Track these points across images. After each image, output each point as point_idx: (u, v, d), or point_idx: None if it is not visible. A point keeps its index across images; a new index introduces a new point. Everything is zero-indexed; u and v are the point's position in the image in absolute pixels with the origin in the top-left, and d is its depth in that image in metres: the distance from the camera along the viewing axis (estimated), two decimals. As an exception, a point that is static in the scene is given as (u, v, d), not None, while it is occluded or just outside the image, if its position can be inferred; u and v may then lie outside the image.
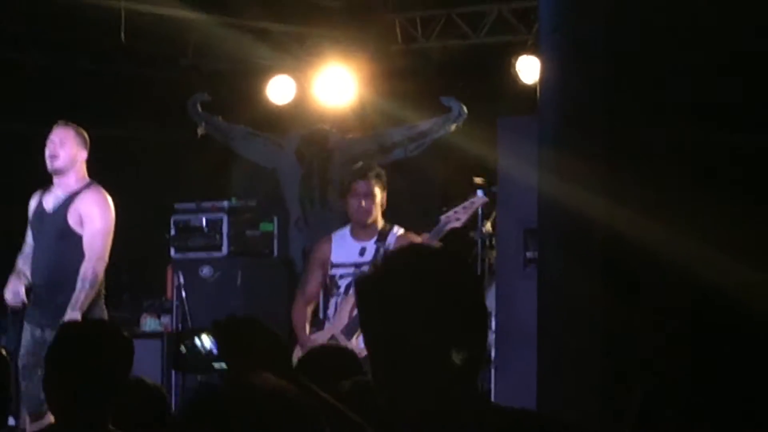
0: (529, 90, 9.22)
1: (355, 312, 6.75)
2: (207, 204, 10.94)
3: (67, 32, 11.31)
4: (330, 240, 7.46)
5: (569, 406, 4.51)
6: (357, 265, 7.22)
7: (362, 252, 7.30)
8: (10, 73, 10.99)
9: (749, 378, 4.09)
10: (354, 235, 7.35)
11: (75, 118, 8.22)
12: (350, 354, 4.48)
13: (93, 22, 10.73)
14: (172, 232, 10.90)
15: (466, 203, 7.56)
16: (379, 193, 7.32)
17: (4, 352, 4.36)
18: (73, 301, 7.18)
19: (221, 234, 10.78)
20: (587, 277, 4.40)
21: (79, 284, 7.22)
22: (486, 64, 10.70)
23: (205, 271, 10.64)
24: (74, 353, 3.93)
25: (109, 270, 7.52)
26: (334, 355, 4.46)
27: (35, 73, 11.23)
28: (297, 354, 6.45)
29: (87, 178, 7.53)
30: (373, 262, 2.46)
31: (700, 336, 4.11)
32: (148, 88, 11.61)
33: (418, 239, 7.27)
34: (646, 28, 4.62)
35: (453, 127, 10.82)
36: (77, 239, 7.38)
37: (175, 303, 10.16)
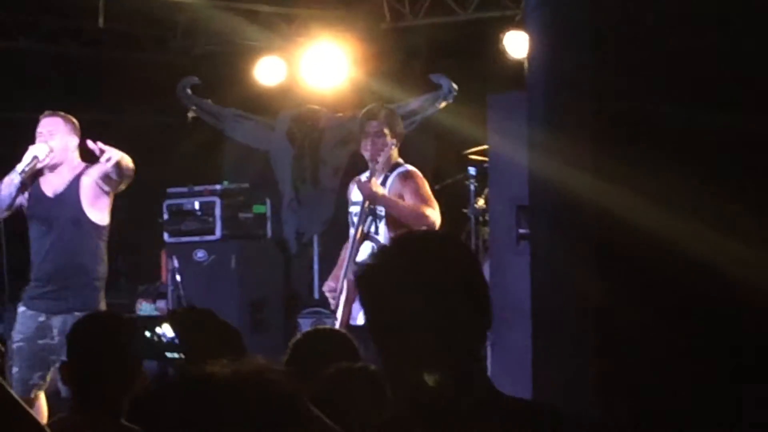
0: (518, 65, 9.20)
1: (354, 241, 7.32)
2: (199, 188, 10.94)
3: (55, 17, 11.29)
4: (355, 181, 7.61)
5: (564, 383, 4.52)
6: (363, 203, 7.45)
7: None
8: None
9: (741, 347, 4.10)
10: (372, 174, 7.49)
11: (65, 102, 8.20)
12: (344, 337, 4.49)
13: (81, 7, 10.72)
14: (165, 216, 10.90)
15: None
16: (389, 133, 7.45)
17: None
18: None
19: (214, 217, 10.78)
20: (579, 254, 4.40)
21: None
22: (475, 40, 10.68)
23: (200, 254, 10.65)
24: (99, 341, 4.02)
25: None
26: (328, 338, 4.47)
27: (24, 59, 11.21)
28: None
29: (83, 162, 7.38)
30: (371, 253, 2.49)
31: (693, 311, 4.12)
32: (137, 71, 11.59)
33: (420, 179, 7.40)
34: (634, 2, 4.60)
35: (443, 104, 10.81)
36: (90, 225, 7.28)
37: (170, 287, 10.17)
